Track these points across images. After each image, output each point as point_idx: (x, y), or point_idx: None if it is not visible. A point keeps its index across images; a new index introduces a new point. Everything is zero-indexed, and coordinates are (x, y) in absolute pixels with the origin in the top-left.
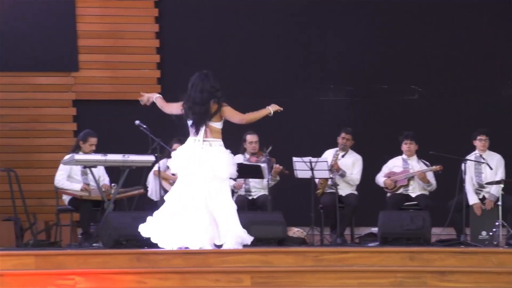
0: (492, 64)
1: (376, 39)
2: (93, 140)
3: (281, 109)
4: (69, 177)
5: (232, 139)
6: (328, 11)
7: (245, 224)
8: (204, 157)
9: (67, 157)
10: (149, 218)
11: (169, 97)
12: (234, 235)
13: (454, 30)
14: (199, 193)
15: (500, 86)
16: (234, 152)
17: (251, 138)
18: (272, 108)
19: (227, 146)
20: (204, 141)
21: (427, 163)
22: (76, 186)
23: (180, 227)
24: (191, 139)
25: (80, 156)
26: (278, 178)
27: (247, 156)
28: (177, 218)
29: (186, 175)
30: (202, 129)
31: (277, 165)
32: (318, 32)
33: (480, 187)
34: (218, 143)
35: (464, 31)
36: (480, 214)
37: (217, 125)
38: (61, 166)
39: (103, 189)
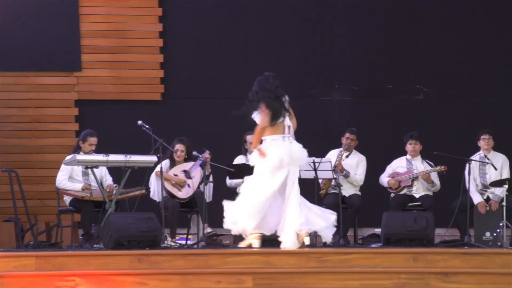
0: (497, 65)
1: (381, 39)
2: (93, 140)
3: None
4: (70, 178)
5: (232, 140)
6: (333, 11)
7: None
8: None
9: (68, 157)
10: None
11: (172, 97)
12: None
13: (459, 30)
14: None
15: (505, 87)
16: (236, 153)
17: (251, 138)
18: None
19: (225, 148)
20: None
21: (431, 163)
22: (77, 186)
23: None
24: None
25: (82, 157)
26: None
27: (249, 156)
28: None
29: None
30: None
31: None
32: (322, 32)
33: (485, 187)
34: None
35: (469, 31)
36: (484, 212)
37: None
38: (63, 167)
39: (108, 190)
